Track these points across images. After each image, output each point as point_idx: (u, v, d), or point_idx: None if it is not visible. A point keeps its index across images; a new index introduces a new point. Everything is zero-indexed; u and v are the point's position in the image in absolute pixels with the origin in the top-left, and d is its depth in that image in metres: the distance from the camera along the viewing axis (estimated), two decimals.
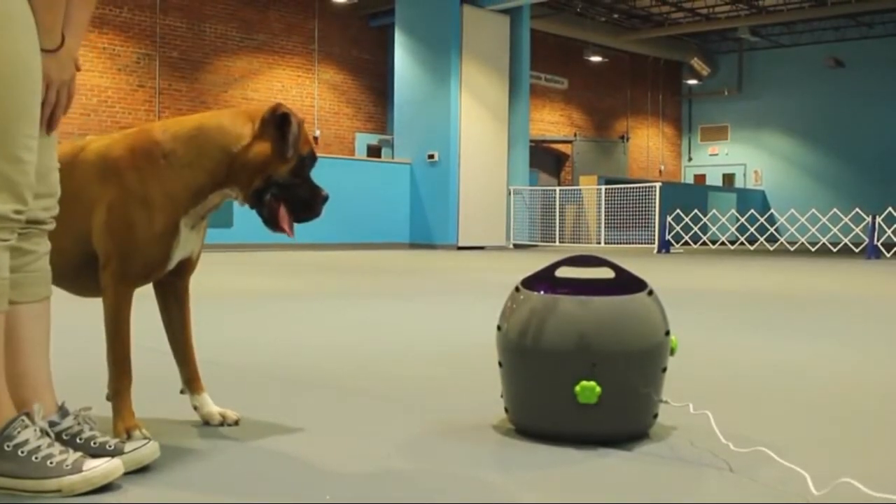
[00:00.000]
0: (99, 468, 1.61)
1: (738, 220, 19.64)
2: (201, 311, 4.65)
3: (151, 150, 1.99)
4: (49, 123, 1.76)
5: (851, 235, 17.20)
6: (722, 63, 27.67)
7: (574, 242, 18.11)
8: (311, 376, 2.92)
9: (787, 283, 7.97)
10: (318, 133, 19.54)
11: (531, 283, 2.13)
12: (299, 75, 19.32)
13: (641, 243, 16.80)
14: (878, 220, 14.21)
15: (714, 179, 28.06)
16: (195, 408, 2.19)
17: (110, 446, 1.73)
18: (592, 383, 1.94)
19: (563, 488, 1.71)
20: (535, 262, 9.46)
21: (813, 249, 17.04)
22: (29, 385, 1.75)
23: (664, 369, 2.06)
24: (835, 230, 17.19)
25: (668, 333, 2.06)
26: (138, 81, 16.90)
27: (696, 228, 18.44)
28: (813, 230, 18.00)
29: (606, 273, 2.12)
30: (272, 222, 2.07)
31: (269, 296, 6.11)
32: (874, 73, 25.14)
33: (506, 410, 2.14)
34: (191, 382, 2.21)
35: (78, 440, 1.74)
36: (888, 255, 14.07)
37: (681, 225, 17.43)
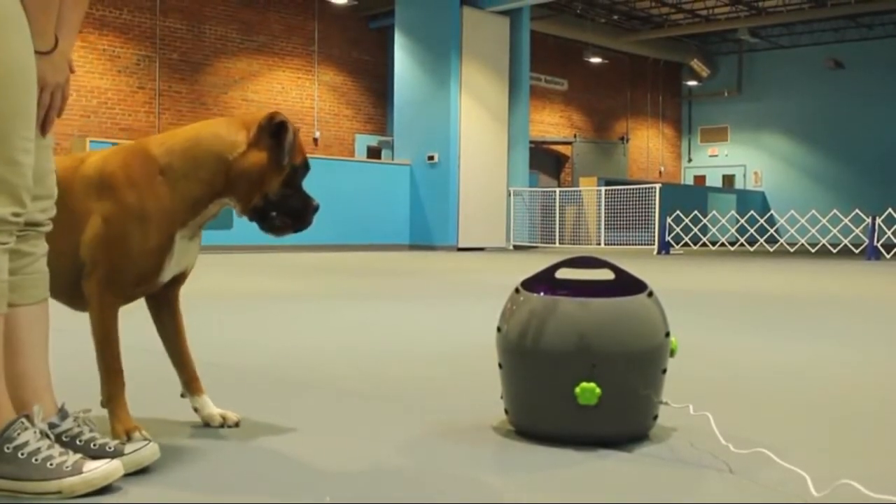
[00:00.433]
0: (99, 470, 1.61)
1: (737, 221, 19.64)
2: (201, 313, 4.65)
3: (148, 167, 1.99)
4: (43, 126, 1.76)
5: (851, 237, 17.20)
6: (722, 64, 27.68)
7: (574, 244, 18.11)
8: (310, 377, 2.92)
9: (787, 285, 7.97)
10: (317, 134, 19.54)
11: (531, 284, 2.13)
12: (299, 77, 19.32)
13: (641, 245, 16.80)
14: (878, 221, 14.21)
15: (714, 181, 28.07)
16: (196, 409, 2.19)
17: (110, 448, 1.73)
18: (592, 385, 1.94)
19: (563, 490, 1.71)
20: (534, 264, 9.45)
21: (813, 251, 17.04)
22: (28, 387, 1.75)
23: (664, 371, 2.06)
24: (835, 231, 17.19)
25: (668, 335, 2.06)
26: (138, 83, 16.91)
27: (695, 230, 18.45)
28: (813, 231, 18.00)
29: (606, 274, 2.12)
30: (272, 233, 2.08)
31: (269, 297, 6.11)
32: (874, 74, 25.15)
33: (506, 412, 2.14)
34: (190, 385, 2.20)
35: (78, 442, 1.74)
36: (888, 257, 14.07)
37: (681, 226, 17.43)
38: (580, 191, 19.00)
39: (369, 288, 7.14)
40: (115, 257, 1.95)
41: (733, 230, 20.39)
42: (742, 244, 19.37)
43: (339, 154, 19.51)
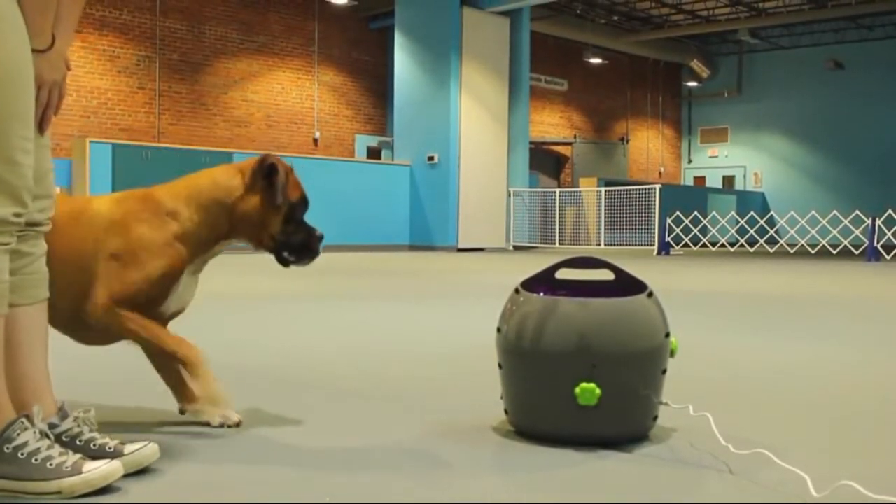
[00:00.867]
0: (98, 470, 1.60)
1: (737, 222, 19.65)
2: (201, 313, 4.65)
3: (156, 208, 2.11)
4: (41, 124, 1.75)
5: (851, 237, 17.20)
6: (722, 65, 27.68)
7: (574, 244, 18.11)
8: (310, 377, 2.92)
9: (787, 285, 7.97)
10: (317, 135, 19.54)
11: (531, 284, 2.13)
12: (299, 77, 19.32)
13: (641, 245, 16.80)
14: (878, 222, 14.21)
15: (714, 181, 28.07)
16: (196, 413, 2.19)
17: (110, 448, 1.73)
18: (592, 385, 1.94)
19: (563, 490, 1.70)
20: (534, 264, 9.45)
21: (813, 251, 17.04)
22: (28, 387, 1.75)
23: (664, 371, 2.06)
24: (835, 232, 17.19)
25: (667, 335, 2.06)
26: (138, 83, 16.91)
27: (695, 230, 18.45)
28: (813, 232, 18.01)
29: (606, 275, 2.12)
30: (286, 266, 2.25)
31: (269, 298, 6.11)
32: (874, 75, 25.16)
33: (506, 412, 2.14)
34: (184, 395, 2.21)
35: (78, 442, 1.74)
36: (888, 258, 14.07)
37: (680, 227, 17.44)
38: (580, 191, 19.01)
39: (369, 288, 7.14)
40: (127, 280, 2.04)
41: (733, 231, 20.39)
42: (742, 245, 19.38)
43: (339, 154, 19.51)
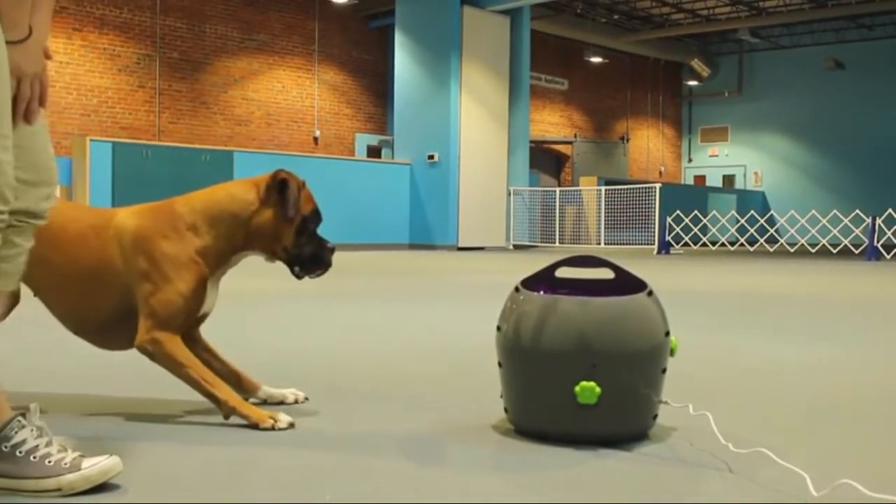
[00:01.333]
0: (98, 466, 1.60)
1: (738, 221, 19.65)
2: None
3: (176, 223, 2.20)
4: (27, 116, 1.71)
5: (851, 237, 17.20)
6: (722, 64, 27.68)
7: (574, 243, 18.11)
8: (309, 376, 2.91)
9: (787, 285, 7.97)
10: (318, 133, 19.54)
11: (531, 283, 2.12)
12: (299, 76, 19.32)
13: (641, 244, 16.80)
14: (879, 221, 14.21)
15: (714, 181, 28.07)
16: (265, 401, 2.36)
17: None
18: (592, 384, 1.94)
19: (563, 489, 1.70)
20: (534, 263, 9.44)
21: (813, 251, 17.04)
22: None
23: (664, 370, 2.06)
24: (835, 232, 17.19)
25: (667, 334, 2.06)
26: (138, 82, 16.90)
27: (695, 230, 18.45)
28: (813, 231, 18.01)
29: (606, 274, 2.12)
30: (300, 279, 2.36)
31: (268, 297, 6.11)
32: (874, 74, 25.15)
33: (505, 411, 2.14)
34: (245, 386, 2.36)
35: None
36: (888, 257, 14.07)
37: (681, 226, 17.44)
38: (580, 190, 19.01)
39: (369, 287, 7.14)
40: (163, 300, 2.13)
41: (733, 230, 20.39)
42: (742, 244, 19.38)
43: (340, 153, 19.51)
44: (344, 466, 1.83)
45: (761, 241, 18.83)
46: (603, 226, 17.50)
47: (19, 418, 1.63)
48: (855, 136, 25.46)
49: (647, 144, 27.76)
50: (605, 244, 17.19)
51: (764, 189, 27.11)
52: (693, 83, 27.64)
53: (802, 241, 17.83)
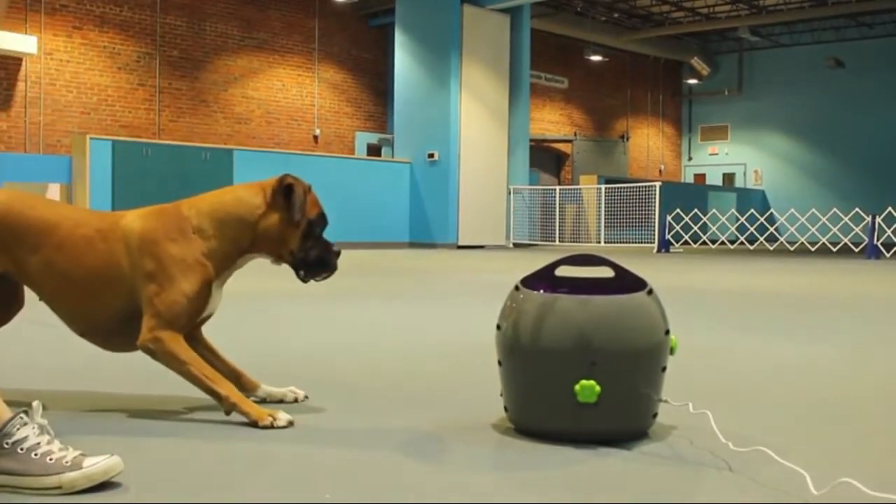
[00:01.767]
0: (99, 464, 1.60)
1: (737, 219, 19.64)
2: None
3: (183, 225, 2.23)
4: None
5: (851, 235, 17.20)
6: (722, 63, 27.66)
7: (574, 242, 18.11)
8: (309, 375, 2.91)
9: (786, 283, 7.97)
10: (318, 132, 19.53)
11: (531, 282, 2.12)
12: (299, 74, 19.31)
13: (641, 243, 16.81)
14: (878, 219, 14.21)
15: (714, 179, 28.07)
16: (264, 400, 2.37)
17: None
18: (592, 382, 1.94)
19: (563, 488, 1.70)
20: (534, 262, 9.44)
21: (813, 249, 17.04)
22: None
23: (664, 368, 2.06)
24: (834, 230, 17.19)
25: (667, 333, 2.06)
26: (138, 80, 16.90)
27: (695, 228, 18.45)
28: (813, 230, 18.01)
29: (606, 272, 2.12)
30: (306, 282, 2.39)
31: (269, 296, 6.10)
32: (874, 73, 25.15)
33: (505, 409, 2.14)
34: (244, 384, 2.37)
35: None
36: (888, 255, 14.07)
37: (681, 224, 17.43)
38: (580, 189, 19.00)
39: (369, 285, 7.14)
40: (167, 301, 2.15)
41: (733, 228, 20.39)
42: (742, 242, 19.37)
43: (340, 152, 19.51)
44: (343, 464, 1.83)
45: (761, 239, 18.83)
46: (603, 224, 17.50)
47: (21, 415, 1.63)
48: (855, 135, 25.45)
49: (647, 143, 27.75)
50: (605, 243, 17.19)
51: (764, 187, 27.11)
52: (693, 81, 27.63)
53: (802, 240, 17.83)
